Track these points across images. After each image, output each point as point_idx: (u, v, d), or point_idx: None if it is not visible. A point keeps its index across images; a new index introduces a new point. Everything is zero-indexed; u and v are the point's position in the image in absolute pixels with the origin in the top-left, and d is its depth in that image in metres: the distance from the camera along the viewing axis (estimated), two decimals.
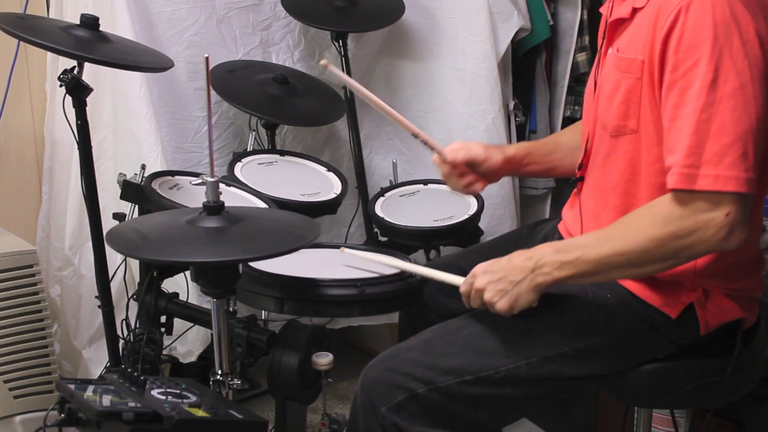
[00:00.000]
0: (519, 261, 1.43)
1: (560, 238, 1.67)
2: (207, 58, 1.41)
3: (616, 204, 1.49)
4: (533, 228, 1.83)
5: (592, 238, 1.45)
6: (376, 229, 2.32)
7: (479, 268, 1.47)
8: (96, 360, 2.35)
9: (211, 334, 1.67)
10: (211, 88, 1.46)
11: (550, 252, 1.42)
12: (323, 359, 1.67)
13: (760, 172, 1.37)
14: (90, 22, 1.84)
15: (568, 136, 1.79)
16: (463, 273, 1.77)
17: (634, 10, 1.46)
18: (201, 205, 1.46)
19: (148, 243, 1.41)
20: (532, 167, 1.78)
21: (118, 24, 2.16)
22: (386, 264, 1.68)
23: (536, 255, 1.42)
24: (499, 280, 1.43)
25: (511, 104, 2.60)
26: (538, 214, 2.73)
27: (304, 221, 1.56)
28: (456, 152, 1.70)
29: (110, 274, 1.99)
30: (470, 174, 1.72)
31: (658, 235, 1.34)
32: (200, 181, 1.45)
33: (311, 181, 2.14)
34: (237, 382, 1.57)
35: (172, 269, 1.92)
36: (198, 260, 1.41)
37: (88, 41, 1.81)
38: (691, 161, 1.31)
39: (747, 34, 1.31)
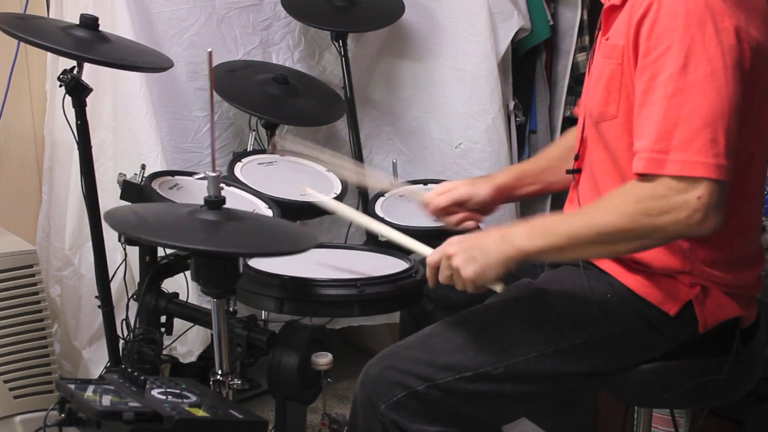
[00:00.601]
0: (492, 233, 1.44)
1: None
2: (210, 53, 1.42)
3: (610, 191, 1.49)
4: None
5: (565, 214, 1.48)
6: None
7: (453, 238, 1.46)
8: (96, 360, 2.35)
9: (211, 334, 1.67)
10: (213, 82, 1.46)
11: (522, 226, 1.42)
12: (323, 359, 1.67)
13: (752, 167, 1.37)
14: (89, 23, 1.84)
15: (555, 151, 1.80)
16: None
17: None
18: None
19: (147, 225, 1.41)
20: (528, 189, 1.77)
21: (118, 24, 2.16)
22: (352, 218, 1.70)
23: (508, 228, 1.43)
24: (470, 248, 1.42)
25: (511, 104, 2.60)
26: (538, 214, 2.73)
27: (302, 229, 1.56)
28: (438, 199, 1.71)
29: (110, 274, 1.99)
30: (460, 212, 1.73)
31: (629, 211, 1.33)
32: (202, 175, 1.45)
33: (311, 181, 2.14)
34: (237, 382, 1.57)
35: (172, 269, 1.92)
36: (196, 247, 1.40)
37: (88, 41, 1.81)
38: (660, 146, 1.31)
39: (721, 23, 1.31)
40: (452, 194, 1.72)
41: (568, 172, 1.63)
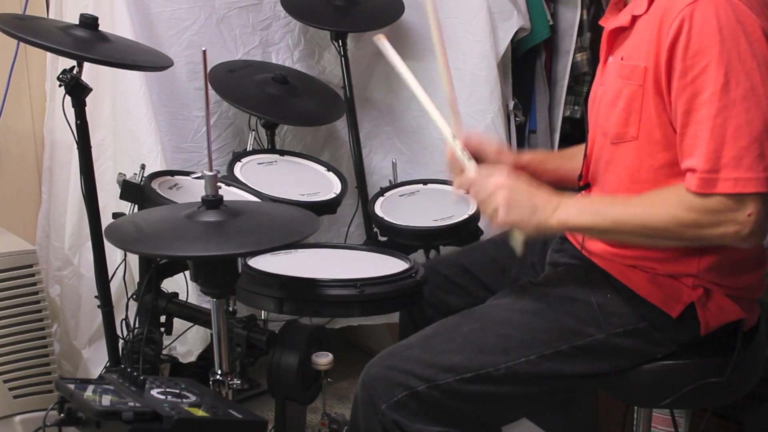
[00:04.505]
0: (544, 194, 1.44)
1: (563, 239, 1.67)
2: (204, 52, 1.41)
3: None
4: None
5: (616, 199, 1.48)
6: (375, 229, 2.32)
7: (504, 169, 1.46)
8: (96, 360, 2.35)
9: (211, 334, 1.67)
10: (209, 84, 1.46)
11: (573, 200, 1.44)
12: (323, 359, 1.67)
13: None
14: (89, 22, 1.84)
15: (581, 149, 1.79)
16: (464, 270, 1.78)
17: (634, 18, 1.46)
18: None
19: (145, 237, 1.41)
20: (546, 175, 1.74)
21: (117, 24, 2.16)
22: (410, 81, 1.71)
23: (561, 198, 1.44)
24: (518, 194, 1.43)
25: (511, 104, 2.60)
26: None
27: (303, 215, 1.55)
28: (473, 134, 1.70)
29: (110, 274, 1.99)
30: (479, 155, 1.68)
31: (680, 217, 1.35)
32: (200, 174, 1.46)
33: (311, 181, 2.14)
34: (237, 382, 1.57)
35: (172, 268, 1.92)
36: (194, 254, 1.40)
37: (88, 41, 1.81)
38: (710, 166, 1.32)
39: (753, 34, 1.32)
40: (486, 140, 1.69)
41: (575, 190, 1.62)
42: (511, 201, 1.42)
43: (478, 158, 1.65)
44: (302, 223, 1.49)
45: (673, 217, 1.36)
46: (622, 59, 1.47)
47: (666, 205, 1.38)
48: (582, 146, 1.78)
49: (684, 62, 1.33)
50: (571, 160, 1.74)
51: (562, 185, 1.77)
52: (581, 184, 1.61)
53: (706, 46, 1.31)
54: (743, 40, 1.31)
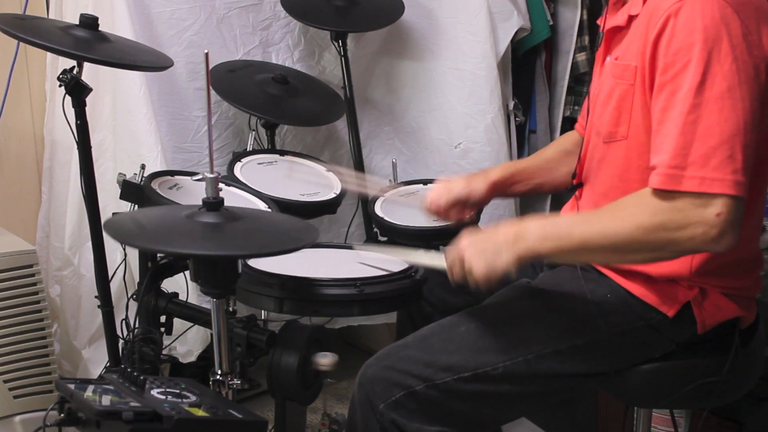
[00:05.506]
0: (503, 230, 1.43)
1: None
2: (207, 54, 1.41)
3: None
4: None
5: (579, 217, 1.47)
6: (375, 229, 2.31)
7: (465, 233, 1.46)
8: (96, 360, 2.35)
9: (211, 334, 1.67)
10: (210, 84, 1.46)
11: (535, 225, 1.41)
12: (327, 359, 1.67)
13: (757, 174, 1.36)
14: (89, 22, 1.84)
15: (549, 152, 1.81)
16: None
17: (630, 18, 1.46)
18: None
19: (146, 232, 1.41)
20: (518, 187, 1.79)
21: (117, 24, 2.16)
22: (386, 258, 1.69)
23: (521, 226, 1.41)
24: (481, 244, 1.42)
25: (511, 104, 2.61)
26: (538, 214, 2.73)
27: (303, 224, 1.56)
28: (438, 200, 1.73)
29: (110, 274, 1.99)
30: (456, 208, 1.75)
31: (645, 224, 1.32)
32: (201, 176, 1.45)
33: (311, 181, 2.14)
34: (237, 382, 1.56)
35: (172, 268, 1.92)
36: (194, 252, 1.40)
37: (88, 41, 1.81)
38: (677, 162, 1.30)
39: (736, 38, 1.31)
40: (451, 195, 1.73)
41: (569, 189, 1.63)
42: (475, 255, 1.41)
43: (462, 203, 1.74)
44: (303, 231, 1.49)
45: (637, 226, 1.33)
46: (616, 59, 1.47)
47: (628, 215, 1.35)
48: (546, 150, 1.83)
49: (665, 59, 1.33)
50: (540, 168, 1.77)
51: (537, 193, 1.79)
52: (575, 183, 1.61)
53: (688, 45, 1.31)
54: (726, 42, 1.30)
